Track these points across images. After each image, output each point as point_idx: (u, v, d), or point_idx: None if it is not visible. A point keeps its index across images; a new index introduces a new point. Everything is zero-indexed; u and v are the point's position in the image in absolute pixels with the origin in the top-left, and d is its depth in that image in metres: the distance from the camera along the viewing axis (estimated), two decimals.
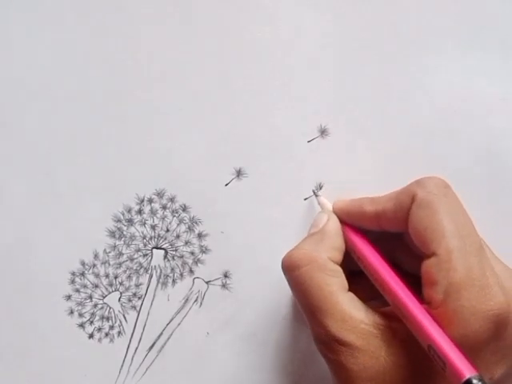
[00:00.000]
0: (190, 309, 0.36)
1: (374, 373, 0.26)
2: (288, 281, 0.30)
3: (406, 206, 0.29)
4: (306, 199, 0.36)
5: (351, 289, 0.29)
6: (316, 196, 0.35)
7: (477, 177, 0.36)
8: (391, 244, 0.31)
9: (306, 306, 0.29)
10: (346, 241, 0.31)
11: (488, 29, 0.36)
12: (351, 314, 0.27)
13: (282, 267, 0.30)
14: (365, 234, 0.31)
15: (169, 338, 0.36)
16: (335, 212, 0.32)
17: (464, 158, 0.36)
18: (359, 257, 0.30)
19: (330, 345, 0.27)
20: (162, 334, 0.36)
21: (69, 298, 0.36)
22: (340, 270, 0.29)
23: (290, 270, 0.30)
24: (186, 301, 0.36)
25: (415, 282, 0.28)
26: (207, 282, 0.36)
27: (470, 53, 0.36)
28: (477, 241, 0.28)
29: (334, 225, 0.31)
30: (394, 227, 0.30)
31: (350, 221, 0.32)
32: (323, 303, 0.28)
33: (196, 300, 0.36)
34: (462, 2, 0.36)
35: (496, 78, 0.36)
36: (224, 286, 0.36)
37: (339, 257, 0.30)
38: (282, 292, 0.35)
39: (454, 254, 0.26)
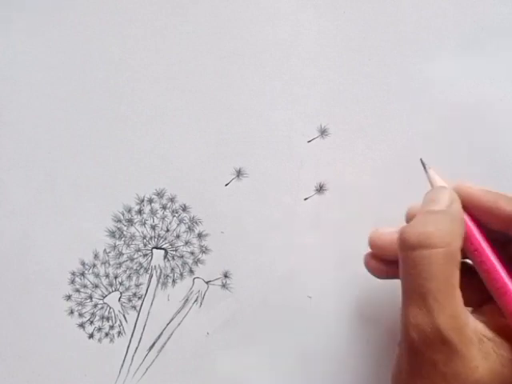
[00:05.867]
0: (190, 309, 0.36)
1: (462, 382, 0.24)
2: (406, 258, 0.26)
3: None
4: (306, 199, 0.36)
5: None
6: (425, 168, 0.30)
7: (477, 177, 0.36)
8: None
9: (419, 290, 0.25)
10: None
11: (488, 29, 0.36)
12: (460, 315, 0.25)
13: (405, 241, 0.26)
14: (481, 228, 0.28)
15: (169, 338, 0.36)
16: (461, 198, 0.28)
17: (464, 157, 0.36)
18: (477, 254, 0.27)
19: (429, 339, 0.25)
20: (161, 334, 0.36)
21: (69, 298, 0.36)
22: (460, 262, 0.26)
23: (416, 246, 0.25)
24: (186, 301, 0.36)
25: None
26: (207, 282, 0.36)
27: (469, 53, 0.36)
28: None
29: (460, 209, 0.27)
30: None
31: (475, 212, 0.28)
32: (441, 293, 0.25)
33: (196, 300, 0.36)
34: (462, 2, 0.36)
35: (496, 77, 0.36)
36: (224, 286, 0.36)
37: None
38: (282, 292, 0.35)
39: None
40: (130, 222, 0.36)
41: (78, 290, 0.36)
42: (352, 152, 0.36)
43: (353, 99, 0.36)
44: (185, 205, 0.36)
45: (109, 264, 0.36)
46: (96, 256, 0.36)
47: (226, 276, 0.36)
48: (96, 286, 0.36)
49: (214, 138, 0.36)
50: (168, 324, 0.36)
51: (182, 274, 0.36)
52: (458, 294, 0.25)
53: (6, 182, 0.36)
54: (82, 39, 0.36)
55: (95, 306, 0.36)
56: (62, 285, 0.36)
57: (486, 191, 0.28)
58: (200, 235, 0.36)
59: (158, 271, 0.36)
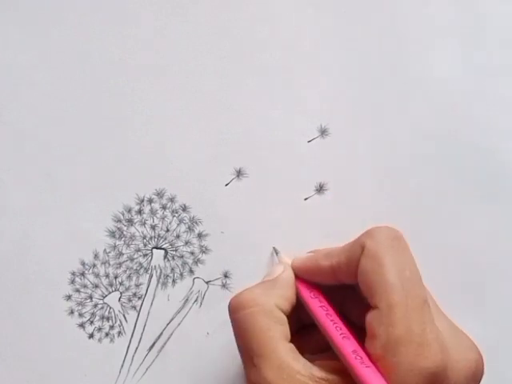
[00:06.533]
0: (190, 309, 0.36)
1: None
2: (232, 322, 0.30)
3: (356, 257, 0.28)
4: (306, 199, 0.36)
5: (303, 340, 0.30)
6: (276, 254, 0.35)
7: (477, 176, 0.36)
8: (343, 295, 0.31)
9: (245, 350, 0.28)
10: (298, 294, 0.31)
11: (488, 29, 0.36)
12: (289, 363, 0.27)
13: (229, 307, 0.30)
14: (318, 286, 0.31)
15: (169, 338, 0.36)
16: (294, 269, 0.32)
17: (464, 158, 0.36)
18: (308, 311, 0.31)
19: None
20: (161, 334, 0.36)
21: (69, 298, 0.36)
22: (285, 319, 0.29)
23: (236, 310, 0.29)
24: (186, 301, 0.36)
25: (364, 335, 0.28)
26: (207, 282, 0.36)
27: (470, 52, 0.36)
28: (421, 296, 0.27)
29: (288, 276, 0.31)
30: (349, 279, 0.29)
31: (309, 277, 0.31)
32: (262, 348, 0.28)
33: (196, 300, 0.36)
34: (462, 2, 0.36)
35: (496, 77, 0.36)
36: (224, 286, 0.36)
37: (287, 307, 0.30)
38: None
39: (395, 308, 0.26)
40: (130, 222, 0.36)
41: (78, 290, 0.36)
42: (352, 152, 0.36)
43: (353, 99, 0.36)
44: (185, 205, 0.36)
45: (109, 264, 0.36)
46: (96, 256, 0.36)
47: (225, 276, 0.36)
48: (96, 286, 0.36)
49: (214, 138, 0.36)
50: (168, 324, 0.36)
51: (181, 274, 0.36)
52: (284, 345, 0.28)
53: (5, 181, 0.36)
54: (82, 39, 0.36)
55: (95, 305, 0.36)
56: (62, 285, 0.36)
57: (308, 256, 0.32)
58: (200, 235, 0.36)
59: (158, 271, 0.36)
